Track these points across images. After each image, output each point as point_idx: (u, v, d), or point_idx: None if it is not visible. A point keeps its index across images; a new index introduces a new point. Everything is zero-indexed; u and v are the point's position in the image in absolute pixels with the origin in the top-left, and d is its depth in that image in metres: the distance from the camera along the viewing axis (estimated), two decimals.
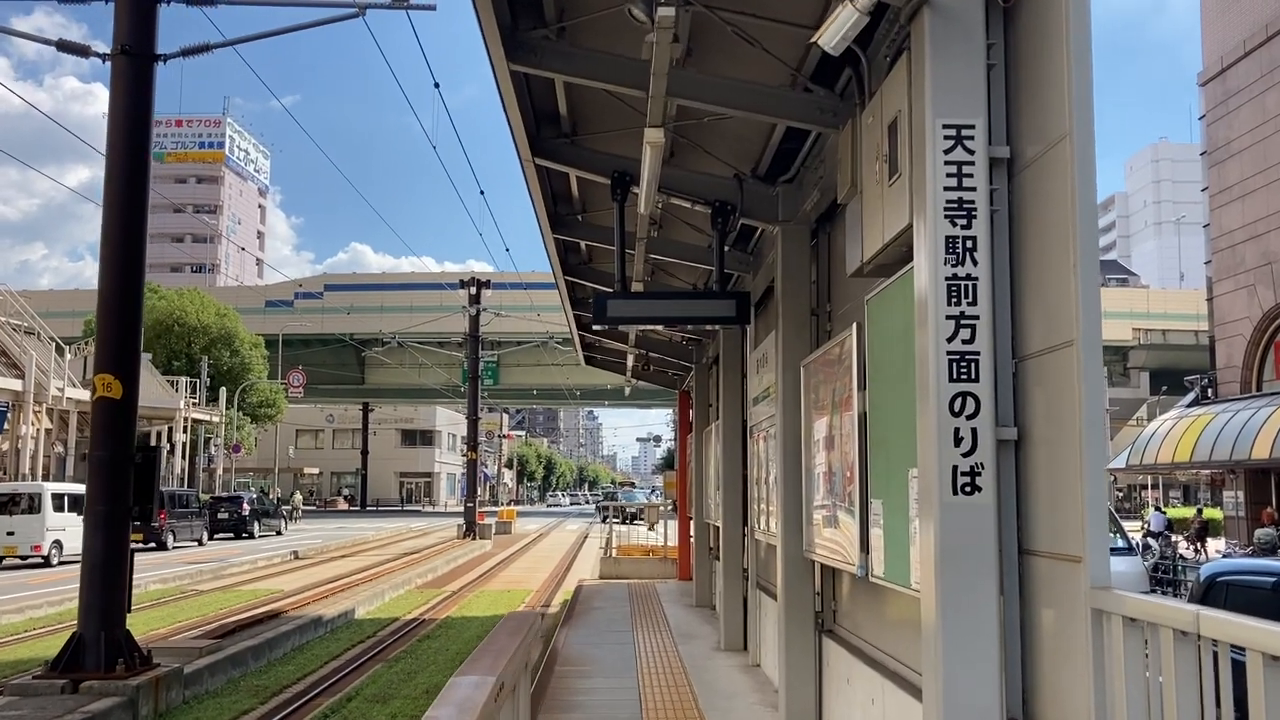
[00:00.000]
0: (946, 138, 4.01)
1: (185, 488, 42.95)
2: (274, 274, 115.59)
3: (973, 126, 4.02)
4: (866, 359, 5.83)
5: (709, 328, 13.47)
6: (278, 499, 65.40)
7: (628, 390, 26.27)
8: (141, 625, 15.23)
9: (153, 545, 34.87)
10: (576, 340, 18.74)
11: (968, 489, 3.88)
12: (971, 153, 4.01)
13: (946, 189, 3.99)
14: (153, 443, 50.26)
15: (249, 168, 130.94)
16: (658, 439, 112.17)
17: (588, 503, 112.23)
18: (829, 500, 7.06)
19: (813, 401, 7.70)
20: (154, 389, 48.74)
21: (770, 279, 9.43)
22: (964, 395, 3.91)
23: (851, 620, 7.23)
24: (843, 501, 6.56)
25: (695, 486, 18.17)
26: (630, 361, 17.93)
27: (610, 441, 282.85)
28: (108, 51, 11.91)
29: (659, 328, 13.58)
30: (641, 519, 35.58)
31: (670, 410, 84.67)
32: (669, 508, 24.05)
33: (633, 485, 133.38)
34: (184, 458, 51.10)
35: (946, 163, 4.00)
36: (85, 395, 38.19)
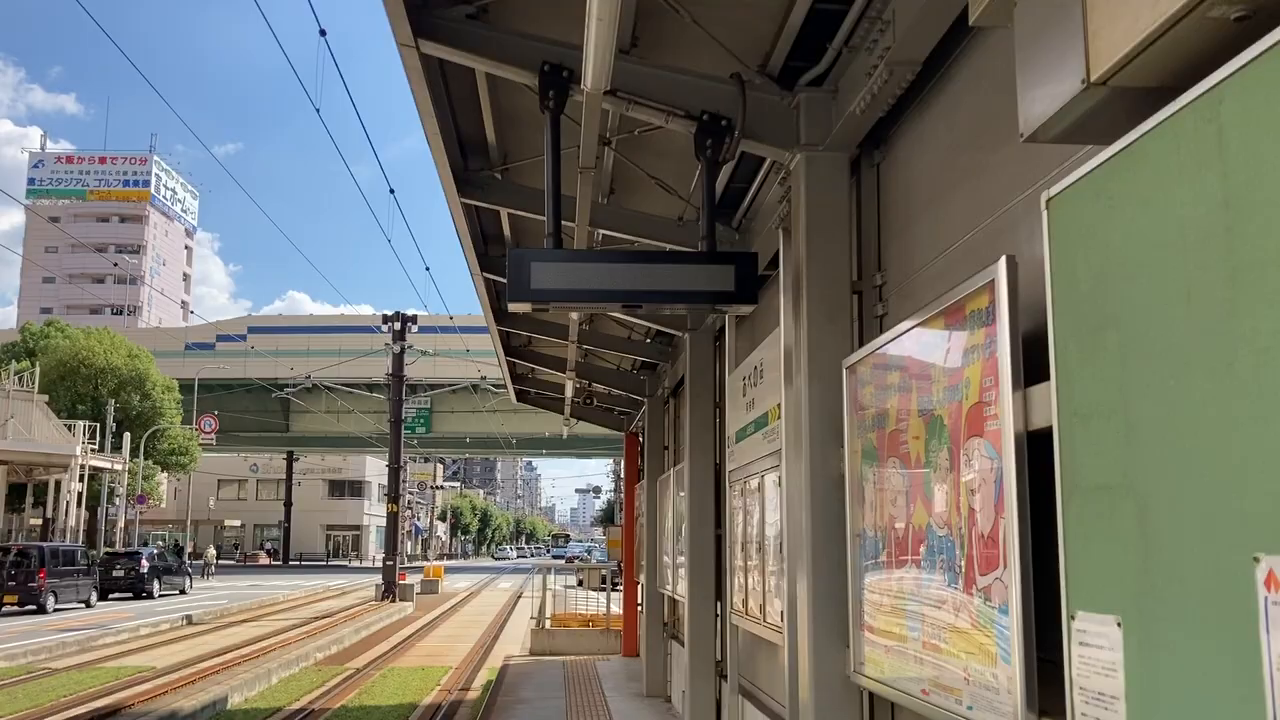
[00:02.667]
0: None
1: (72, 542, 38.79)
2: (198, 317, 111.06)
3: None
4: (1053, 321, 2.79)
5: (671, 337, 10.37)
6: (190, 553, 61.05)
7: (566, 432, 23.05)
8: None
9: (31, 608, 30.90)
10: (505, 369, 15.61)
11: None
12: None
13: None
14: (48, 493, 46.03)
15: (176, 208, 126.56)
16: (597, 490, 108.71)
17: (534, 554, 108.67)
18: (913, 589, 4.04)
19: (866, 423, 4.70)
20: (48, 433, 44.64)
21: (772, 249, 6.43)
22: None
23: None
24: (967, 595, 3.52)
25: (646, 546, 15.01)
26: (569, 393, 14.80)
27: (549, 493, 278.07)
28: None
29: (614, 314, 10.43)
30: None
31: (610, 461, 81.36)
32: (612, 571, 20.80)
33: (568, 537, 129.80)
34: (81, 508, 46.81)
35: None
36: None
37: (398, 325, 36.02)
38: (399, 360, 35.54)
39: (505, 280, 9.27)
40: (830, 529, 5.13)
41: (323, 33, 10.98)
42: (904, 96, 4.96)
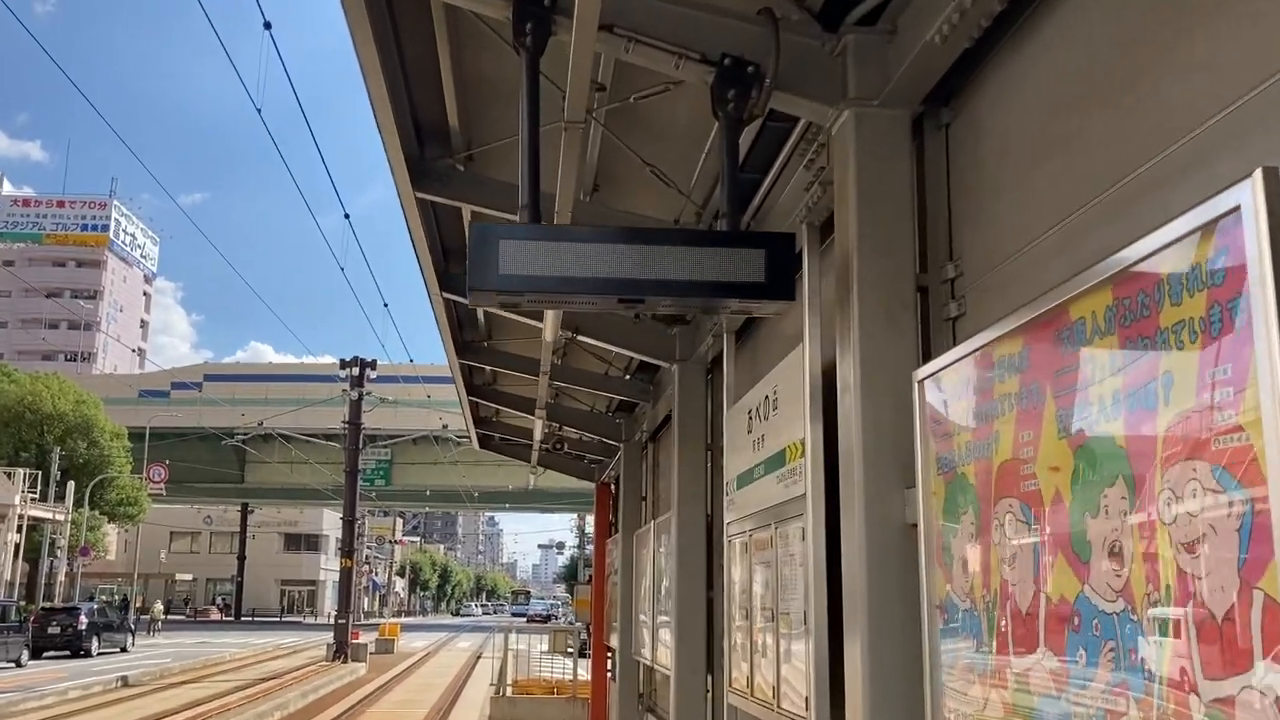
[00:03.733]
0: None
1: (5, 596, 36.73)
2: (155, 364, 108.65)
3: None
4: None
5: (654, 371, 9.08)
6: (138, 608, 58.77)
7: (532, 481, 21.63)
8: None
9: None
10: (467, 410, 14.27)
11: None
12: None
13: None
14: None
15: (136, 253, 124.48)
16: (561, 545, 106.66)
17: (496, 611, 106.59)
18: (1051, 686, 2.79)
19: (956, 454, 3.48)
20: None
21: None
22: None
23: None
24: (1175, 705, 2.26)
25: (620, 606, 13.63)
26: (537, 436, 13.46)
27: (511, 548, 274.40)
28: None
29: (594, 342, 9.11)
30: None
31: (575, 516, 79.55)
32: (579, 634, 19.33)
33: (528, 594, 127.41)
34: (19, 560, 44.64)
35: None
36: None
37: (356, 370, 34.52)
38: (356, 407, 33.99)
39: (463, 295, 8.06)
40: (892, 597, 3.87)
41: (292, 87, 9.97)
42: (986, 36, 3.80)
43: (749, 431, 6.72)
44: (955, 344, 4.06)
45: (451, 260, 8.73)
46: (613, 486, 16.45)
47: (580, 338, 8.76)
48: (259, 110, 13.28)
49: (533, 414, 12.27)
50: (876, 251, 4.12)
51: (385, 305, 63.92)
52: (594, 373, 11.29)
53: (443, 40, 5.42)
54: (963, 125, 4.21)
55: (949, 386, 3.57)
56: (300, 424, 57.40)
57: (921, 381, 3.75)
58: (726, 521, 7.25)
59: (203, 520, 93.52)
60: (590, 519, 65.69)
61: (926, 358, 4.13)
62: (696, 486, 8.57)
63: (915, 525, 3.81)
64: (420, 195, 6.54)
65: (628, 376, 11.20)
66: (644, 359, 9.14)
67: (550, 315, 6.90)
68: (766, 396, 6.26)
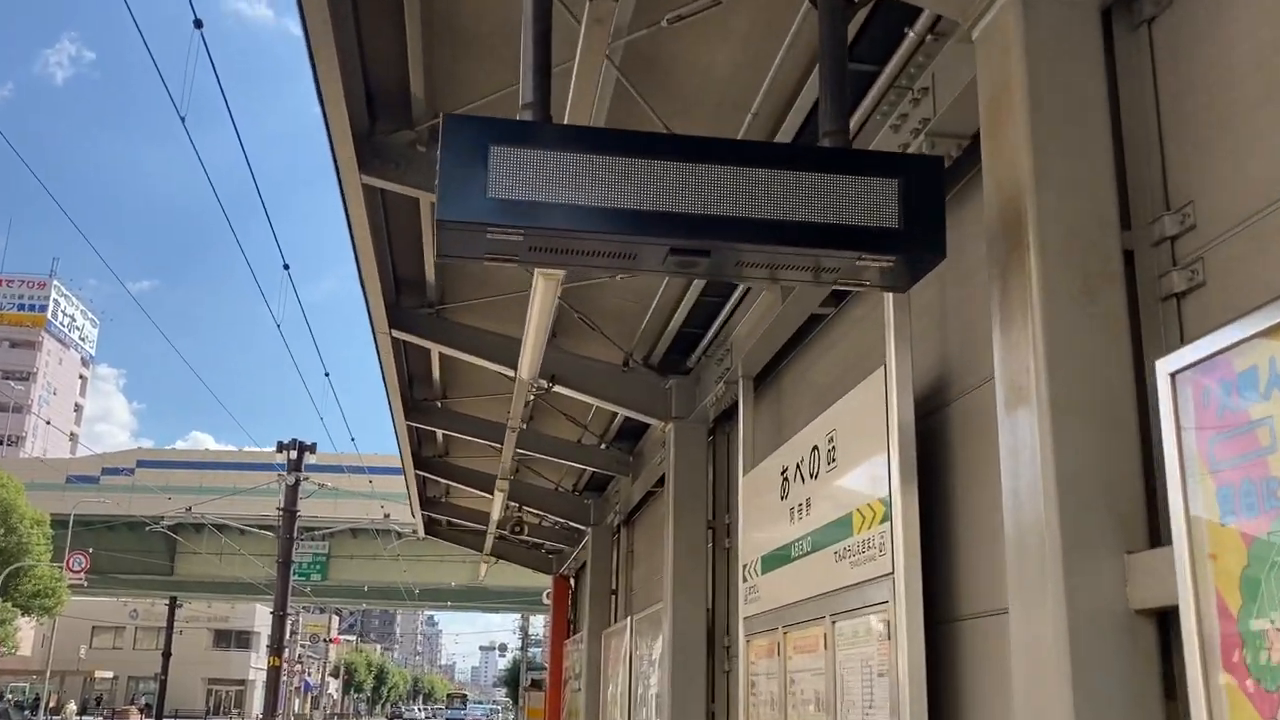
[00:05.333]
0: None
1: None
2: (87, 448, 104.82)
3: None
4: None
5: (638, 436, 7.44)
6: (51, 708, 55.16)
7: (484, 570, 19.75)
8: None
9: None
10: (412, 486, 12.59)
11: None
12: None
13: None
14: None
15: (74, 335, 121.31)
16: (503, 648, 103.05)
17: (435, 715, 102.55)
18: None
19: (1261, 492, 1.99)
20: None
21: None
22: None
23: None
24: None
25: (582, 718, 11.87)
26: (494, 516, 11.76)
27: (450, 649, 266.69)
28: None
29: (579, 393, 7.37)
30: None
31: (518, 616, 76.49)
32: None
33: (464, 698, 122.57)
34: None
35: None
36: None
37: (294, 454, 32.45)
38: (292, 493, 31.84)
39: (421, 334, 6.56)
40: None
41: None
42: None
43: (783, 498, 5.21)
44: (1184, 330, 2.64)
45: (405, 292, 7.24)
46: (573, 580, 14.80)
47: (558, 388, 7.26)
48: (216, 193, 12.05)
49: (490, 491, 10.66)
50: (1063, 196, 2.70)
51: (326, 374, 61.76)
52: (565, 440, 9.75)
53: None
54: (1175, 23, 2.83)
55: (1248, 379, 2.12)
56: (235, 512, 54.74)
57: (1176, 376, 2.30)
58: (744, 616, 5.70)
59: (128, 614, 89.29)
60: (537, 620, 63.12)
61: (1139, 353, 2.70)
62: (695, 574, 7.01)
63: (1157, 611, 2.33)
64: (368, 180, 5.07)
65: (604, 445, 9.66)
66: (632, 415, 7.63)
67: (532, 343, 5.39)
68: (815, 448, 4.77)
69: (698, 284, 6.21)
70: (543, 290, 4.74)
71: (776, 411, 6.07)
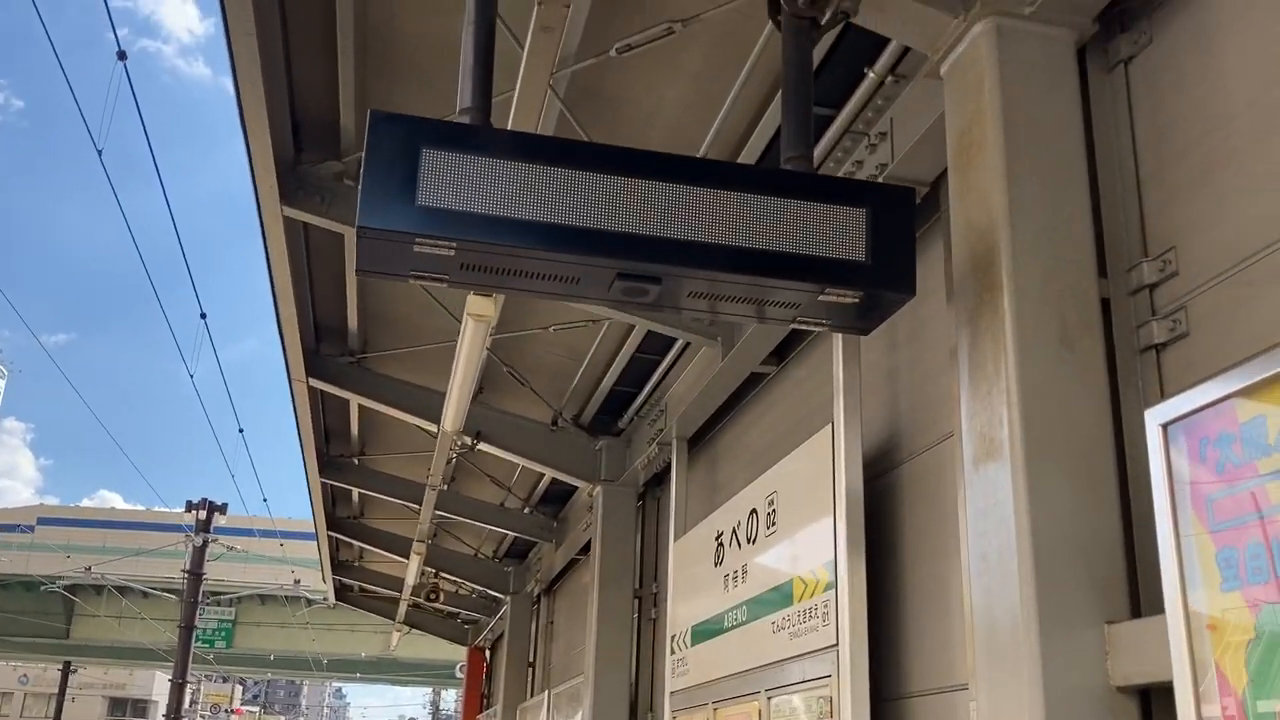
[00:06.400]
0: None
1: None
2: None
3: None
4: None
5: (564, 499, 7.09)
6: None
7: (396, 639, 19.00)
8: None
9: None
10: (324, 548, 12.06)
11: None
12: None
13: None
14: None
15: None
16: None
17: None
18: None
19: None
20: None
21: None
22: None
23: None
24: None
25: None
26: (409, 581, 11.26)
27: None
28: None
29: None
30: None
31: (429, 690, 74.41)
32: None
33: None
34: None
35: None
36: None
37: (203, 514, 31.34)
38: (200, 554, 30.65)
39: (340, 384, 6.24)
40: None
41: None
42: None
43: (717, 564, 4.94)
44: (1164, 383, 2.47)
45: (325, 339, 6.90)
46: (488, 652, 14.30)
47: (482, 446, 6.93)
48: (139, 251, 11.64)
49: (406, 555, 10.21)
50: (1039, 236, 2.52)
51: (240, 430, 60.66)
52: (488, 503, 9.37)
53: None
54: (1155, 61, 2.70)
55: (1255, 430, 1.93)
56: (139, 573, 52.75)
57: (1169, 427, 2.11)
58: (671, 690, 5.38)
59: (18, 679, 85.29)
60: (449, 694, 61.43)
61: (1116, 406, 2.51)
62: (619, 645, 6.68)
63: (1142, 689, 2.11)
64: (291, 212, 4.77)
65: (528, 510, 9.31)
66: (560, 476, 7.31)
67: (457, 395, 5.08)
68: (754, 512, 4.52)
69: (635, 338, 5.98)
70: (471, 334, 4.47)
71: (711, 475, 5.82)
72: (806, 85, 2.65)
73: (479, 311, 3.97)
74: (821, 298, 2.45)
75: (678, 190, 2.36)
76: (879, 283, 2.43)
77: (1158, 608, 2.06)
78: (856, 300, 2.45)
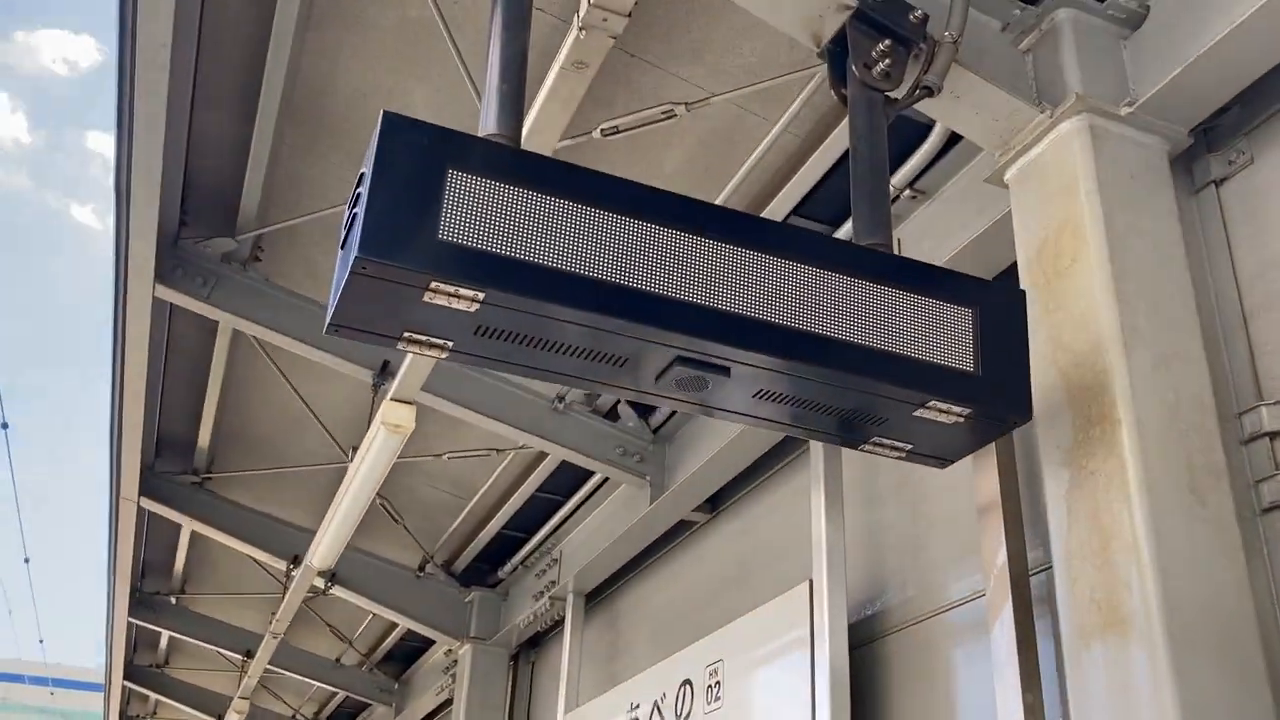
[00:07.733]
0: None
1: None
2: None
3: None
4: None
5: (412, 658, 6.21)
6: None
7: None
8: None
9: None
10: (113, 707, 10.60)
11: None
12: None
13: None
14: None
15: None
16: None
17: None
18: None
19: None
20: None
21: None
22: None
23: None
24: None
25: None
26: None
27: None
28: None
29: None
30: None
31: None
32: None
33: None
34: None
35: None
36: None
37: None
38: None
39: (177, 507, 5.52)
40: None
41: None
42: None
43: None
44: None
45: (165, 454, 6.02)
46: None
47: (336, 590, 6.10)
48: None
49: (216, 715, 8.99)
50: (1156, 364, 2.12)
51: (26, 560, 57.05)
52: (322, 657, 8.35)
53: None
54: (1261, 180, 2.41)
55: None
56: None
57: None
58: None
59: None
60: None
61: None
62: None
63: None
64: (164, 293, 4.07)
65: (366, 669, 8.32)
66: (422, 630, 6.48)
67: (339, 524, 4.31)
68: (687, 682, 3.92)
69: (542, 473, 5.36)
70: (378, 449, 3.81)
71: (611, 637, 5.17)
72: (882, 162, 2.23)
73: (396, 421, 3.35)
74: (918, 413, 1.96)
75: (770, 262, 1.86)
76: (990, 400, 1.96)
77: None
78: (960, 419, 1.97)
